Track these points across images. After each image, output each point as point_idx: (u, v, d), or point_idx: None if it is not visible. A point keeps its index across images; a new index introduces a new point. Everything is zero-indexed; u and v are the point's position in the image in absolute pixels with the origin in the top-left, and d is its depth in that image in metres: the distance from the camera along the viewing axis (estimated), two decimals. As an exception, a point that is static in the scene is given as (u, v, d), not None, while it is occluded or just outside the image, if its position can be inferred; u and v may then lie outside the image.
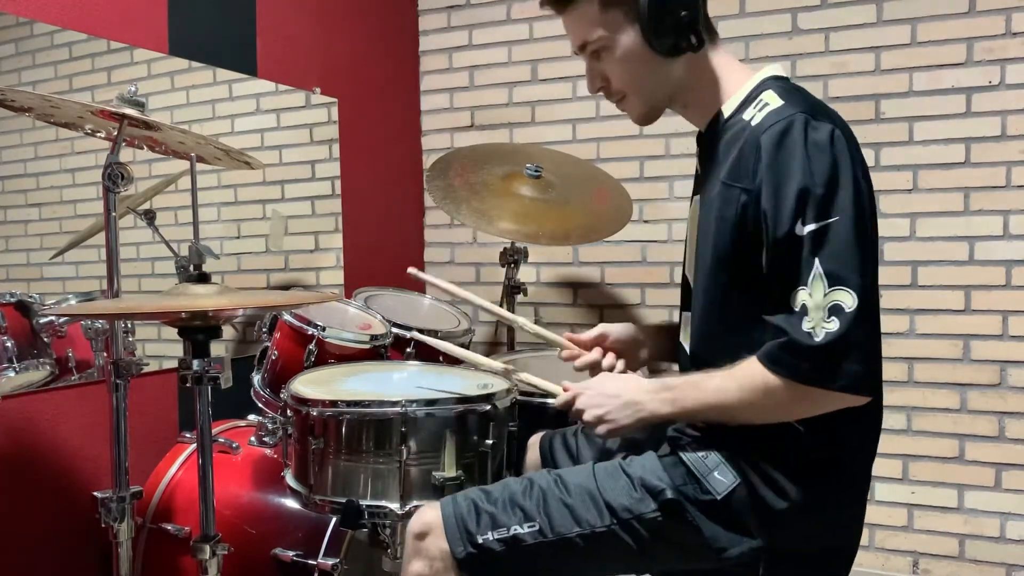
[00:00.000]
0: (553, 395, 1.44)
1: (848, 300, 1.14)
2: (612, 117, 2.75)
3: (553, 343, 1.58)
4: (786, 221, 1.17)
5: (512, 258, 2.50)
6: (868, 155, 2.46)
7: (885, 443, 2.46)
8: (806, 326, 1.15)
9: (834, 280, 1.14)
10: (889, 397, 2.42)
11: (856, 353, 1.14)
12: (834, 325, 1.14)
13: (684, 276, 1.44)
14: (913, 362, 2.46)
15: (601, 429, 1.33)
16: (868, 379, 1.16)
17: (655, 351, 1.58)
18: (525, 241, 2.47)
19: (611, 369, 1.49)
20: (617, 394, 1.33)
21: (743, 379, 1.21)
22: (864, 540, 2.49)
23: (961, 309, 2.41)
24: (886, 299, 2.47)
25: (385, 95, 2.96)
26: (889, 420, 2.47)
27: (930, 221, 2.43)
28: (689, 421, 1.32)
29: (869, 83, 2.48)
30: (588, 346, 1.54)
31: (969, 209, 2.39)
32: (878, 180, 2.44)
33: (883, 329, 2.58)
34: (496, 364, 1.62)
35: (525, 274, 2.63)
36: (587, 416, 1.34)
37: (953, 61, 2.39)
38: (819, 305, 1.15)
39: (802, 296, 1.16)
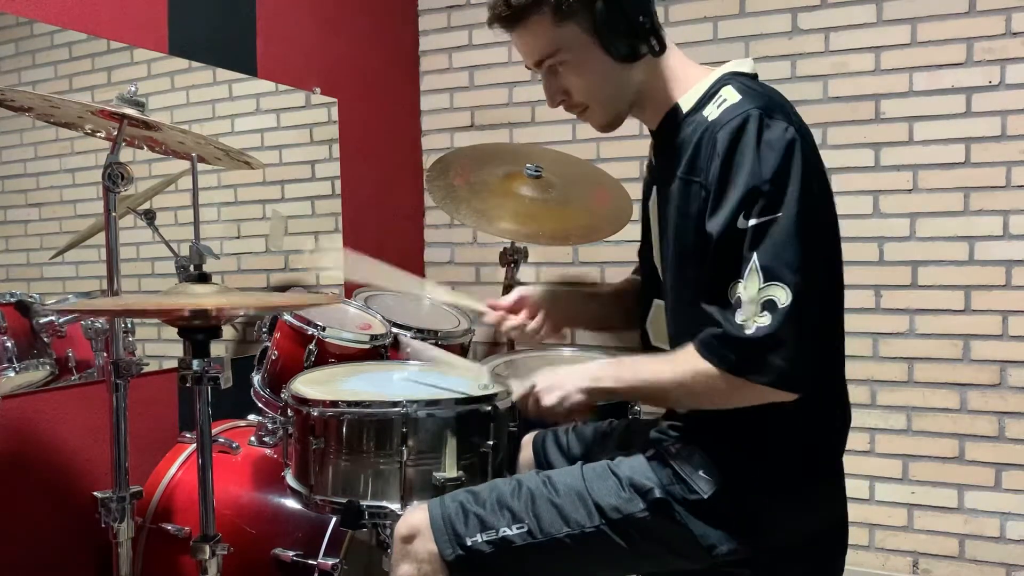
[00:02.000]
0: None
1: (782, 296, 1.15)
2: (612, 117, 2.75)
3: (474, 310, 1.58)
4: (731, 214, 1.18)
5: (512, 258, 2.50)
6: (868, 155, 2.49)
7: (885, 443, 2.49)
8: (739, 318, 1.17)
9: (769, 275, 1.16)
10: (889, 397, 2.47)
11: (784, 350, 1.16)
12: (766, 320, 1.16)
13: (651, 264, 1.45)
14: (913, 362, 2.46)
15: (550, 399, 1.31)
16: (794, 376, 1.17)
17: (575, 315, 1.61)
18: (525, 241, 2.47)
19: (538, 330, 1.52)
20: (569, 373, 1.34)
21: (678, 363, 1.25)
22: (864, 540, 2.51)
23: (961, 309, 2.40)
24: (886, 299, 2.47)
25: (385, 95, 2.96)
26: (889, 420, 2.48)
27: (930, 221, 2.43)
28: (633, 398, 1.33)
29: (869, 83, 2.48)
30: (510, 310, 1.55)
31: (969, 209, 2.39)
32: (878, 180, 2.48)
33: (883, 329, 2.61)
34: (472, 365, 1.62)
35: (525, 274, 2.63)
36: (546, 400, 1.32)
37: (953, 61, 2.39)
38: (753, 299, 1.17)
39: (738, 289, 1.18)
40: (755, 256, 1.17)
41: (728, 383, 1.19)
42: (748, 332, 1.16)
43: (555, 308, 1.56)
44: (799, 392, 1.18)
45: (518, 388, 1.39)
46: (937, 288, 2.43)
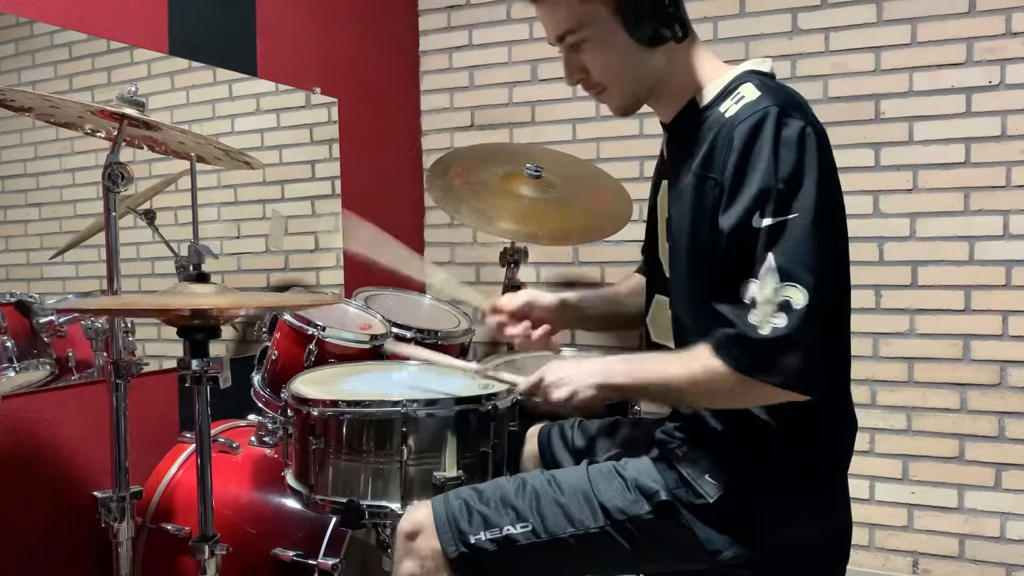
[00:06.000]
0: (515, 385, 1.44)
1: (798, 297, 1.14)
2: (612, 117, 2.74)
3: (476, 307, 1.58)
4: (745, 212, 1.17)
5: (512, 258, 2.50)
6: (868, 155, 2.48)
7: (885, 443, 2.49)
8: (753, 319, 1.16)
9: (786, 276, 1.15)
10: (889, 397, 2.47)
11: (799, 351, 1.15)
12: (781, 321, 1.14)
13: (655, 260, 1.44)
14: (913, 362, 2.46)
15: (559, 394, 1.31)
16: (808, 377, 1.16)
17: (582, 322, 1.64)
18: (525, 241, 2.47)
19: (540, 340, 1.52)
20: (579, 368, 1.33)
21: (691, 361, 1.23)
22: (864, 540, 2.51)
23: (961, 309, 2.40)
24: (886, 299, 2.47)
25: (385, 95, 2.96)
26: (889, 420, 2.48)
27: (930, 221, 2.43)
28: (643, 396, 1.33)
29: (869, 83, 2.48)
30: (514, 315, 1.54)
31: (969, 209, 2.39)
32: (878, 180, 2.48)
33: (883, 329, 2.61)
34: (468, 365, 1.62)
35: (525, 274, 2.63)
36: (556, 394, 1.32)
37: (953, 61, 2.39)
38: (768, 299, 1.15)
39: (753, 289, 1.16)
40: (771, 256, 1.15)
41: (741, 383, 1.18)
42: (763, 333, 1.15)
43: (562, 318, 1.56)
44: (813, 394, 1.17)
45: (526, 380, 1.38)
46: (937, 288, 2.43)
